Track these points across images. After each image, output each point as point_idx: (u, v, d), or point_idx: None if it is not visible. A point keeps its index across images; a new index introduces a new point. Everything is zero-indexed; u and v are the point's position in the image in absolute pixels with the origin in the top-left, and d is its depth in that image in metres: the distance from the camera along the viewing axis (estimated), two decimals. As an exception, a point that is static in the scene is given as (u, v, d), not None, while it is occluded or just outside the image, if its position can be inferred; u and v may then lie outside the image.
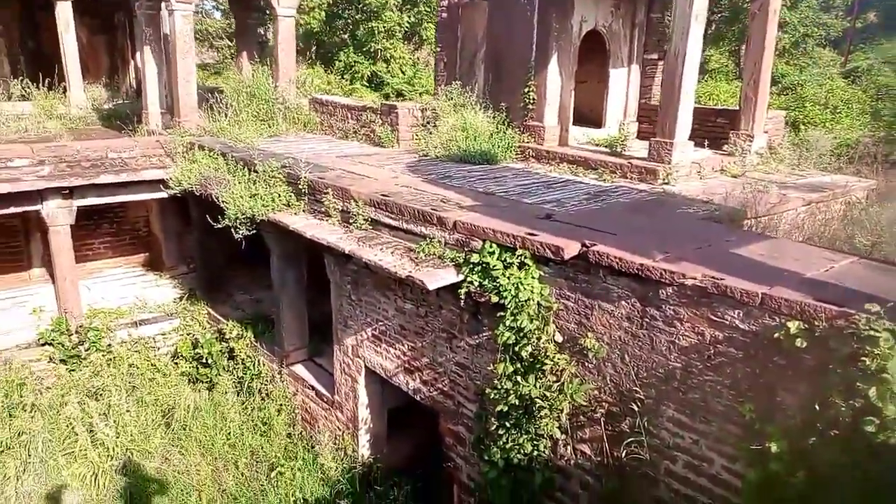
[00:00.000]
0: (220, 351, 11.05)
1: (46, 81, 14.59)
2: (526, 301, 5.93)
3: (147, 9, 11.82)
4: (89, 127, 13.86)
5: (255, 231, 8.92)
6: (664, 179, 8.28)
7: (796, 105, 19.75)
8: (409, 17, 33.98)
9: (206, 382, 10.89)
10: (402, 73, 33.10)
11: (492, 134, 10.03)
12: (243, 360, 10.78)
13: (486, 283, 6.15)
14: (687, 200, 7.51)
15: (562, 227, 6.26)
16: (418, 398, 7.63)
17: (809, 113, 19.07)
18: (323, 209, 8.23)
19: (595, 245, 5.59)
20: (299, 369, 9.87)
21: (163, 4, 11.45)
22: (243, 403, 10.26)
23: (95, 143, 10.70)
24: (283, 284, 9.78)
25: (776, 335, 4.34)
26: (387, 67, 33.63)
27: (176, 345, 11.82)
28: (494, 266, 6.09)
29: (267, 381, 10.27)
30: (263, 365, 10.46)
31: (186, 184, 10.23)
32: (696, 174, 8.70)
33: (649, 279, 5.09)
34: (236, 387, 10.59)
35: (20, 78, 15.73)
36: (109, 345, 11.09)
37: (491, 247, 6.20)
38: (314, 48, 37.20)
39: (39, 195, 10.20)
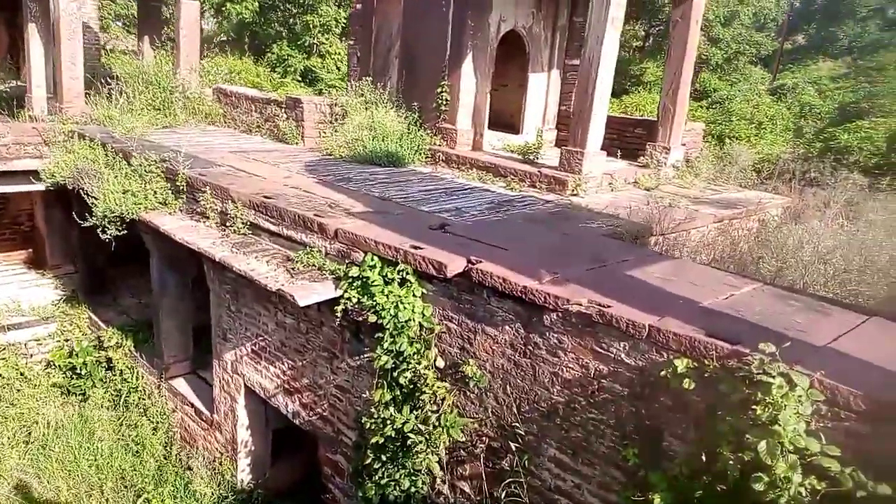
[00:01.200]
0: (97, 360, 10.03)
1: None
2: (406, 322, 5.31)
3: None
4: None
5: (125, 231, 8.00)
6: (573, 190, 7.81)
7: (723, 119, 19.98)
8: (346, 11, 33.05)
9: (80, 395, 9.84)
10: (338, 69, 32.19)
11: (402, 135, 9.39)
12: (121, 371, 9.80)
13: (364, 300, 5.49)
14: (593, 214, 7.05)
15: (452, 241, 5.67)
16: (297, 422, 6.90)
17: (735, 127, 19.29)
18: (200, 210, 7.41)
19: (480, 262, 5.02)
20: (179, 384, 8.97)
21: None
22: (118, 419, 9.29)
23: (-44, 127, 9.51)
24: (162, 289, 8.87)
25: (663, 373, 3.84)
26: (322, 63, 32.65)
27: (50, 352, 10.70)
28: (374, 281, 5.44)
29: (145, 395, 9.33)
30: (142, 377, 9.51)
31: (59, 176, 9.20)
32: (608, 186, 8.28)
33: (533, 303, 4.54)
34: (112, 401, 9.60)
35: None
36: (-30, 352, 9.91)
37: (372, 260, 5.56)
38: (247, 39, 35.87)
39: None
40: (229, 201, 7.05)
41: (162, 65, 11.66)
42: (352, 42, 11.04)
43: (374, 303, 5.41)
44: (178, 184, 7.72)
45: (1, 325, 10.49)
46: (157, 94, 11.47)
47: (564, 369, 4.41)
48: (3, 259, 12.86)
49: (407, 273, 5.37)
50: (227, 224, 7.04)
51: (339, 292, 5.69)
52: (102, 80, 11.58)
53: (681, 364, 3.75)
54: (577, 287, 4.58)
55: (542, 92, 10.48)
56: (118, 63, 11.93)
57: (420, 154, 9.36)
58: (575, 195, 7.83)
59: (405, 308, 5.29)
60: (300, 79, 31.54)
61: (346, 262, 5.81)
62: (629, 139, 9.90)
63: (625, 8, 7.66)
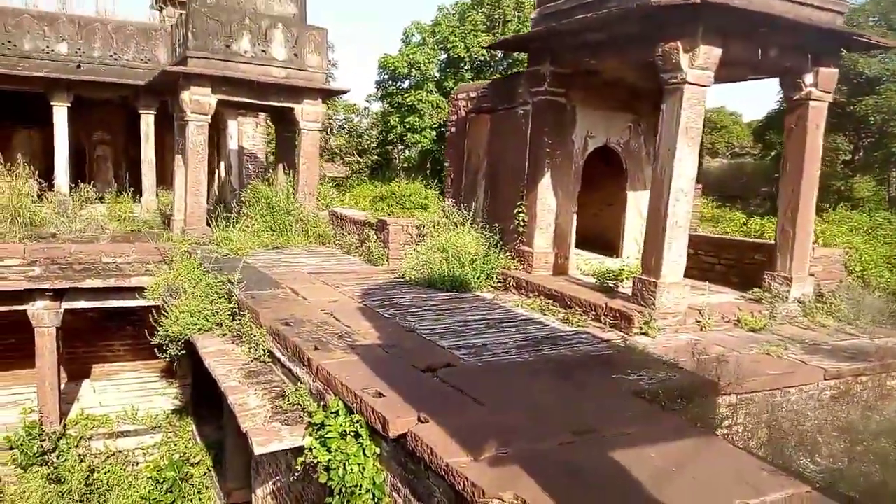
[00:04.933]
0: (181, 477, 10.13)
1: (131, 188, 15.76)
2: (355, 488, 4.43)
3: (180, 120, 12.10)
4: (144, 231, 14.21)
5: (184, 351, 8.11)
6: (640, 328, 6.45)
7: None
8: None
9: (159, 509, 9.93)
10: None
11: (475, 258, 8.72)
12: (199, 490, 9.77)
13: (320, 453, 4.73)
14: (647, 360, 5.67)
15: (430, 389, 4.79)
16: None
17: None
18: (243, 332, 7.27)
19: (427, 422, 4.08)
20: (235, 512, 8.63)
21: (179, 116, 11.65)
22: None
23: (91, 247, 10.68)
24: (229, 412, 8.77)
25: None
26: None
27: (153, 461, 11.08)
28: (329, 432, 4.69)
29: (207, 519, 9.12)
30: (212, 500, 9.35)
31: (158, 293, 9.78)
32: (695, 324, 6.77)
33: (455, 488, 3.48)
34: (182, 520, 9.53)
35: (122, 183, 17.09)
36: (81, 455, 10.57)
37: (336, 405, 4.84)
38: (429, 165, 38.11)
39: (29, 295, 10.19)
40: (256, 326, 6.82)
41: (283, 189, 12.36)
42: (447, 164, 10.83)
43: (329, 458, 4.63)
44: (231, 306, 7.72)
45: (112, 432, 11.15)
46: (277, 216, 12.10)
47: (479, 589, 3.24)
48: (144, 367, 13.96)
49: (361, 426, 4.55)
50: (253, 349, 6.78)
51: (306, 441, 5.01)
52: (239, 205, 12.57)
53: None
54: (515, 471, 3.45)
55: (643, 211, 9.25)
56: (249, 188, 12.88)
57: (491, 279, 8.57)
58: (644, 333, 6.46)
59: (352, 470, 4.43)
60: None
61: (321, 404, 5.15)
62: (748, 266, 8.23)
63: (703, 116, 6.50)
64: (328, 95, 12.98)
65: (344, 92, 13.87)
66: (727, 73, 7.49)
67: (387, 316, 6.98)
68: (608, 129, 8.96)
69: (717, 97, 79.37)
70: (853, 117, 26.08)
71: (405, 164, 38.81)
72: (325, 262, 10.37)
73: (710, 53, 6.27)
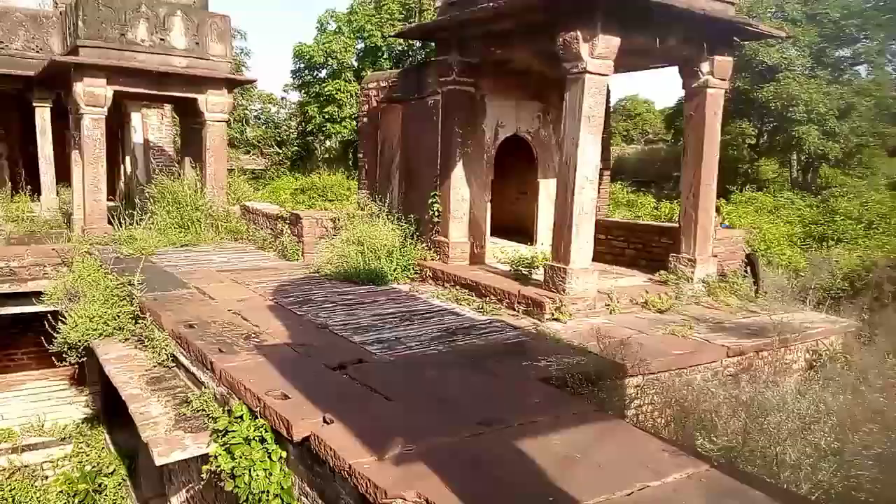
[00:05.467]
0: (95, 489, 9.61)
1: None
2: (263, 494, 4.28)
3: (75, 113, 11.38)
4: (44, 231, 13.33)
5: (84, 358, 7.66)
6: (552, 314, 6.55)
7: (825, 219, 17.59)
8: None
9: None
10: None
11: (391, 250, 8.62)
12: (114, 500, 9.29)
13: (225, 461, 4.54)
14: (559, 347, 5.75)
15: (338, 387, 4.68)
16: None
17: (840, 228, 16.85)
18: (146, 336, 6.92)
19: (332, 423, 3.97)
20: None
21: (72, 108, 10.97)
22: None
23: (-22, 251, 9.94)
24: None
25: None
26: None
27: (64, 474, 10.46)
28: (233, 439, 4.51)
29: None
30: (124, 511, 8.92)
31: (56, 297, 9.19)
32: (604, 308, 6.93)
33: (358, 490, 3.40)
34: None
35: (18, 181, 15.95)
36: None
37: (240, 409, 4.66)
38: (350, 155, 37.58)
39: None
40: (158, 329, 6.51)
41: (190, 184, 11.85)
42: (361, 155, 10.67)
43: (233, 465, 4.45)
44: (133, 308, 7.34)
45: (16, 447, 10.44)
46: (185, 212, 11.60)
47: (384, 591, 3.18)
48: (52, 375, 13.13)
49: (265, 430, 4.40)
50: (156, 354, 6.46)
51: (211, 448, 4.80)
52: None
53: None
54: (420, 469, 3.40)
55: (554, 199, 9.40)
56: (155, 184, 12.29)
57: (408, 270, 8.50)
58: (556, 319, 6.55)
59: (258, 476, 4.28)
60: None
61: (226, 409, 4.95)
62: (654, 249, 8.50)
63: (604, 105, 6.63)
64: (234, 85, 12.50)
65: (251, 82, 13.45)
66: (628, 62, 7.66)
67: (299, 313, 6.80)
68: (518, 118, 9.03)
69: (631, 85, 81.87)
70: (756, 103, 27.38)
71: (327, 155, 38.13)
72: (237, 258, 10.04)
73: (609, 43, 6.38)
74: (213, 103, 11.61)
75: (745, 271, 8.40)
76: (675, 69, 7.97)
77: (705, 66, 7.52)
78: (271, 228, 10.72)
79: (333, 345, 5.76)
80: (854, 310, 9.05)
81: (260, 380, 4.76)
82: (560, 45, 6.56)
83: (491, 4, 6.98)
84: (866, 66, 29.20)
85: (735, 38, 7.83)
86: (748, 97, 26.98)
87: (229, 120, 30.58)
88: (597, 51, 6.39)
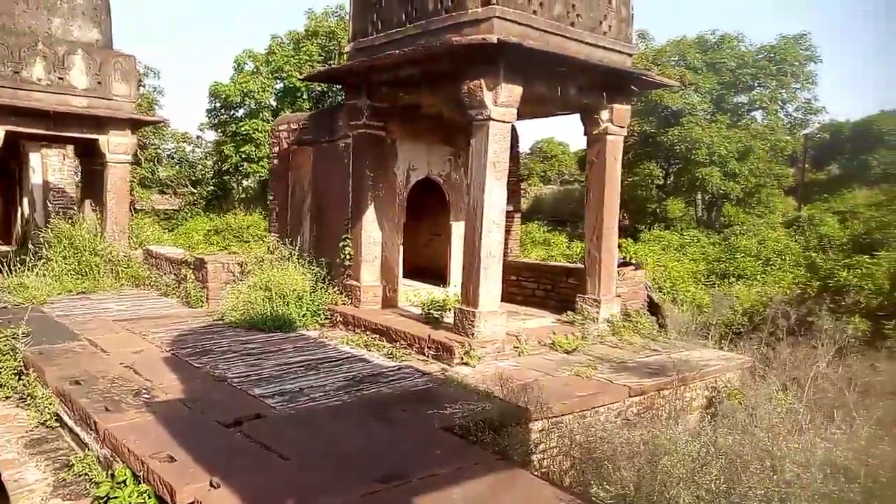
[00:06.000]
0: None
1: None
2: (143, 566, 3.97)
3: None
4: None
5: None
6: (461, 358, 6.52)
7: (727, 256, 18.52)
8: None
9: None
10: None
11: (301, 295, 8.41)
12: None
13: (105, 531, 4.20)
14: (466, 392, 5.69)
15: (231, 447, 4.44)
16: None
17: (741, 265, 17.77)
18: (28, 393, 6.41)
19: (218, 488, 3.75)
20: None
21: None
22: None
23: None
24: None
25: None
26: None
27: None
28: (115, 506, 4.19)
29: None
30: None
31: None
32: (513, 350, 6.96)
33: (241, 560, 3.20)
34: None
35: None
36: None
37: (124, 473, 4.34)
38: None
39: None
40: (42, 385, 6.05)
41: (90, 228, 11.27)
42: (271, 198, 10.47)
43: (114, 537, 4.12)
44: (16, 363, 6.80)
45: None
46: (83, 258, 10.99)
47: None
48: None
49: (149, 496, 4.11)
50: (39, 413, 5.98)
51: (91, 517, 4.44)
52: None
53: None
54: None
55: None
56: (51, 227, 11.61)
57: (318, 315, 8.31)
58: (465, 363, 6.52)
59: (139, 548, 3.97)
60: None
61: (109, 473, 4.61)
62: (563, 290, 8.67)
63: (508, 151, 6.77)
64: (140, 125, 12.10)
65: (158, 122, 13.09)
66: (533, 109, 7.90)
67: (197, 365, 6.48)
68: (430, 161, 9.11)
69: (548, 128, 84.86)
70: (663, 146, 28.83)
71: (244, 195, 37.26)
72: (136, 306, 9.54)
73: (511, 91, 6.55)
74: (116, 144, 11.16)
75: (649, 309, 8.70)
76: (579, 116, 8.26)
77: (605, 114, 7.83)
78: (175, 274, 10.28)
79: (230, 399, 5.51)
80: (753, 344, 9.49)
81: (146, 440, 4.46)
82: (465, 93, 6.69)
83: (398, 52, 7.06)
84: (762, 112, 31.29)
85: (633, 87, 8.21)
86: (655, 140, 28.40)
87: (140, 160, 29.59)
88: (500, 99, 6.54)
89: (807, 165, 36.87)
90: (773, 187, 31.73)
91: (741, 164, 28.55)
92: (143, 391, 5.62)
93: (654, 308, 9.03)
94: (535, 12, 6.70)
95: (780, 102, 30.92)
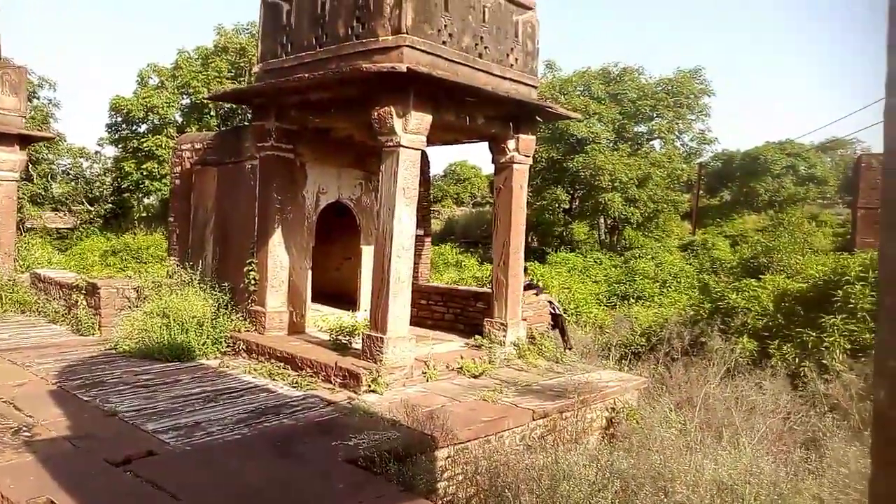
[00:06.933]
0: None
1: None
2: None
3: None
4: None
5: None
6: (369, 386, 6.46)
7: (627, 278, 19.36)
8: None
9: None
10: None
11: (201, 322, 8.08)
12: None
13: (-29, 586, 3.84)
14: (369, 422, 5.62)
15: (116, 488, 4.18)
16: None
17: (640, 287, 18.60)
18: None
19: (103, 532, 3.51)
20: None
21: None
22: None
23: None
24: None
25: None
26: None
27: None
28: (-17, 558, 3.84)
29: None
30: None
31: None
32: (422, 375, 6.97)
33: None
34: None
35: None
36: None
37: (-5, 521, 3.99)
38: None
39: None
40: None
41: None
42: (171, 219, 10.07)
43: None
44: None
45: None
46: (-41, 282, 10.15)
47: None
48: None
49: (25, 546, 3.80)
50: None
51: (-45, 571, 4.04)
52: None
53: None
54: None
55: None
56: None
57: (220, 343, 8.02)
58: (372, 391, 6.46)
59: None
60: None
61: (-22, 522, 4.22)
62: (472, 314, 8.77)
63: (418, 177, 6.83)
64: (30, 141, 11.36)
65: (50, 138, 12.40)
66: (443, 136, 8.02)
67: (85, 399, 6.09)
68: (340, 185, 9.04)
69: (461, 152, 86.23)
70: (569, 172, 29.91)
71: (145, 214, 35.58)
72: (21, 334, 8.88)
73: (421, 119, 6.63)
74: (2, 161, 10.44)
75: (557, 327, 8.96)
76: (487, 144, 8.45)
77: (511, 144, 8.05)
78: (65, 299, 9.66)
79: (121, 435, 5.20)
80: (650, 364, 9.92)
81: (23, 483, 4.14)
82: (375, 120, 6.70)
83: (307, 76, 6.99)
84: (660, 141, 33.10)
85: (538, 118, 8.49)
86: (562, 166, 29.45)
87: (32, 175, 27.71)
88: (410, 126, 6.60)
89: (701, 192, 39.18)
90: (670, 212, 33.51)
91: (641, 191, 30.02)
92: (24, 428, 5.22)
93: (560, 326, 9.30)
94: (444, 43, 6.83)
95: (676, 133, 32.84)
